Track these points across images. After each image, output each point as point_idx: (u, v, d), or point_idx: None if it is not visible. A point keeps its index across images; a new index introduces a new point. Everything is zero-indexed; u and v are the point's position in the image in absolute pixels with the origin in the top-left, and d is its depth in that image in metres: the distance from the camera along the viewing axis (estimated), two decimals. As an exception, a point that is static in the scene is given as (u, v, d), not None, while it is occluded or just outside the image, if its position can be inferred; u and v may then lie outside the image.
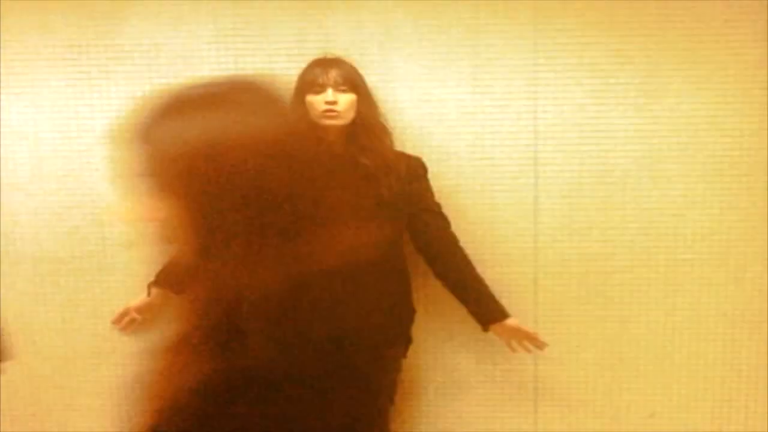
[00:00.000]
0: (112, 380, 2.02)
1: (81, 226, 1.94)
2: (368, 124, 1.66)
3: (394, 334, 1.75)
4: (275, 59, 1.85)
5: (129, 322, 1.94)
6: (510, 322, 1.80)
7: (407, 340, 1.80)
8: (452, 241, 1.79)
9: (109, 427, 2.04)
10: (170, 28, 1.85)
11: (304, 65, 1.71)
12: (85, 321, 1.99)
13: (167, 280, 1.83)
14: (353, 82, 1.66)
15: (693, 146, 1.83)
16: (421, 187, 1.75)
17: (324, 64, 1.68)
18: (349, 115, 1.64)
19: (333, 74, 1.64)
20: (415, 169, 1.74)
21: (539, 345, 1.83)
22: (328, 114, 1.62)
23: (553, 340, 1.94)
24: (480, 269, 1.90)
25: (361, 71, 1.72)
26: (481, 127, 1.85)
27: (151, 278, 1.84)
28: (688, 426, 1.97)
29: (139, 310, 1.92)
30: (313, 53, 1.75)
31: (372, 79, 1.76)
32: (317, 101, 1.63)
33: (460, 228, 1.87)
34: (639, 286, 1.89)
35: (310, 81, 1.65)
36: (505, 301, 1.91)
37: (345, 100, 1.63)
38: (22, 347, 2.01)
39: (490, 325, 1.80)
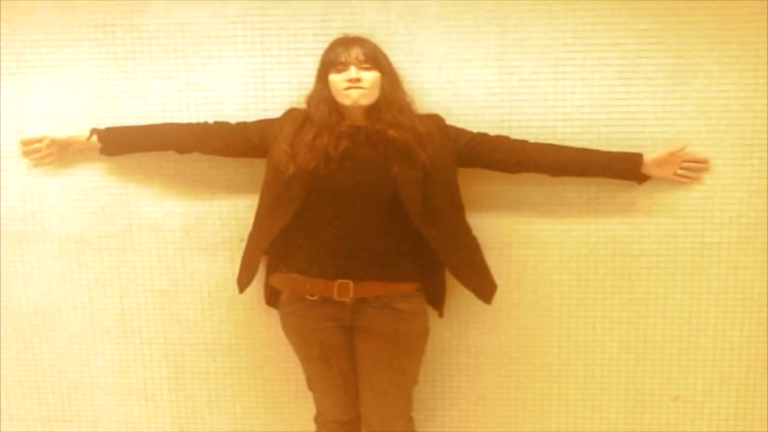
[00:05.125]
0: (138, 358, 2.05)
1: (107, 206, 1.95)
2: (392, 101, 1.64)
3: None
4: (301, 39, 1.84)
5: (32, 150, 1.93)
6: (649, 157, 1.76)
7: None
8: (527, 142, 1.76)
9: (134, 405, 2.08)
10: (196, 7, 1.85)
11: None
12: (111, 300, 2.01)
13: (108, 138, 1.85)
14: (376, 60, 1.64)
15: (722, 128, 1.81)
16: (454, 136, 1.72)
17: (345, 42, 1.66)
18: (375, 93, 1.63)
19: (355, 52, 1.63)
20: (440, 126, 1.72)
21: (700, 159, 1.80)
22: (351, 91, 1.59)
23: (577, 323, 1.94)
24: (502, 251, 1.90)
25: (387, 52, 1.71)
26: (508, 108, 1.83)
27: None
28: (713, 410, 1.96)
29: (54, 142, 1.90)
30: (338, 33, 1.74)
31: (398, 60, 1.76)
32: (340, 80, 1.62)
33: (485, 208, 1.87)
34: (665, 269, 1.88)
35: (332, 60, 1.64)
36: (529, 282, 1.91)
37: (369, 78, 1.61)
38: (49, 326, 2.04)
39: (640, 170, 1.77)
